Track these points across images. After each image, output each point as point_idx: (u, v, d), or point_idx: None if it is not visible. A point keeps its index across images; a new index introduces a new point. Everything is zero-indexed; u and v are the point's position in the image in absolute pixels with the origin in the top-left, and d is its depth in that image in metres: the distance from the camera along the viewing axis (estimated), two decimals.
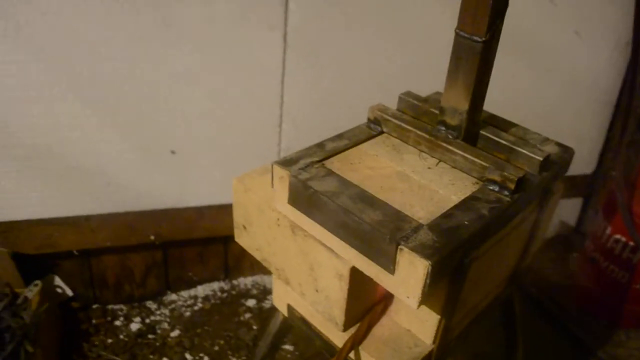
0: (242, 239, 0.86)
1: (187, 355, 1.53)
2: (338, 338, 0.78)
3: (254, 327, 1.65)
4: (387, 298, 0.78)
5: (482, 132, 0.78)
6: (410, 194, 0.69)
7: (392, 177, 0.72)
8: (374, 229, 0.61)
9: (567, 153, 0.80)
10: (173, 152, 1.45)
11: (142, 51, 1.28)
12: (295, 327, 0.87)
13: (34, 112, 1.27)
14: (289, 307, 0.85)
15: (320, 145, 0.77)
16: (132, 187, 1.46)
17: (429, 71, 1.33)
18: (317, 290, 0.73)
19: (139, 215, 1.51)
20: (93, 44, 1.24)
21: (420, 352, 0.73)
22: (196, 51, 1.33)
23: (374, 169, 0.74)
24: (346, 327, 0.73)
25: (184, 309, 1.70)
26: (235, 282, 1.81)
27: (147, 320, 1.63)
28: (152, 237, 1.55)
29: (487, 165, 0.71)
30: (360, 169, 0.73)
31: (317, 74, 1.44)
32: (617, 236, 1.64)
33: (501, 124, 0.84)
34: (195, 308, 1.70)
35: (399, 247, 0.59)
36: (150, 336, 1.58)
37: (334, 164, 0.74)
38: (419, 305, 0.60)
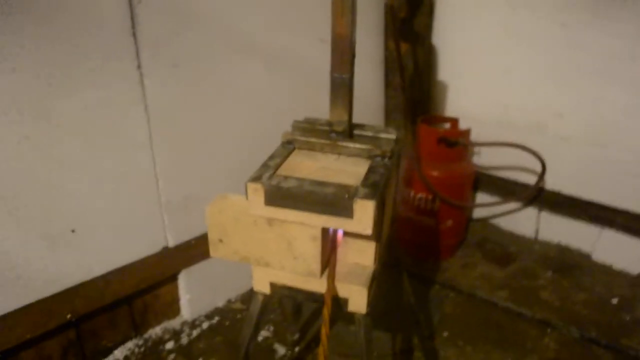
0: (219, 251, 1.16)
1: None
2: (316, 285, 1.14)
3: None
4: (335, 249, 1.17)
5: (355, 132, 1.24)
6: (337, 175, 1.11)
7: (320, 170, 1.13)
8: (335, 195, 1.01)
9: (400, 133, 1.31)
10: (73, 231, 1.60)
11: (29, 147, 1.43)
12: (278, 294, 1.20)
13: None
14: (271, 284, 1.18)
15: (265, 165, 1.13)
16: (43, 273, 1.56)
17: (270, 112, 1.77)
18: (295, 258, 1.09)
19: (54, 299, 1.60)
20: None
21: (369, 272, 1.15)
22: (75, 139, 1.52)
23: (307, 168, 1.13)
24: (321, 274, 1.10)
25: None
26: (146, 335, 1.96)
27: None
28: (69, 316, 1.65)
29: (370, 147, 1.16)
30: (300, 170, 1.12)
31: (178, 132, 1.75)
32: (419, 195, 2.29)
33: (359, 125, 1.31)
34: None
35: (354, 199, 1.00)
36: None
37: (283, 172, 1.11)
38: (372, 232, 1.02)
